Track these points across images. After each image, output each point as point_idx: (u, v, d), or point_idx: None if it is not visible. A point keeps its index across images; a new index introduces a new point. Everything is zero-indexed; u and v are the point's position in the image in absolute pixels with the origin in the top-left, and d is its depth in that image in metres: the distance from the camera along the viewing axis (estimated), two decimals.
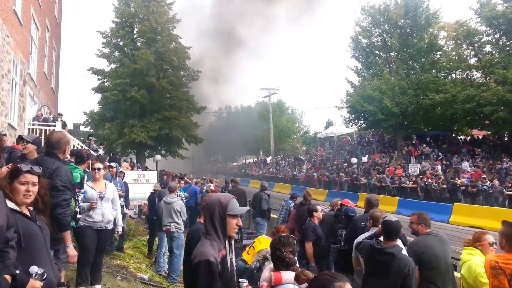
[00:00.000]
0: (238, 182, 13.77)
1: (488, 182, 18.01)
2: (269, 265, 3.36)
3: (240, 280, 2.66)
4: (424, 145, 27.93)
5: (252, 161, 59.30)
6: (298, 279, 2.50)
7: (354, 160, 30.93)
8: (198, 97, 32.66)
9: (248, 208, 2.72)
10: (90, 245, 5.27)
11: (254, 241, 5.62)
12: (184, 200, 9.70)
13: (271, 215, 11.57)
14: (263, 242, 5.43)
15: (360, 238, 4.80)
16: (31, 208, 2.64)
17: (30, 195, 2.57)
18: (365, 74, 33.44)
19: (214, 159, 77.57)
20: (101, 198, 5.43)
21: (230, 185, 13.84)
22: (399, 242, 4.00)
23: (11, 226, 2.33)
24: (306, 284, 2.43)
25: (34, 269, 2.31)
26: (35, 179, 2.60)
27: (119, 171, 8.46)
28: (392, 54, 32.43)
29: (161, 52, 28.37)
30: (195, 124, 31.20)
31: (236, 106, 70.93)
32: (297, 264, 3.40)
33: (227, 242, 2.57)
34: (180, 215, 7.78)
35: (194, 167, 52.36)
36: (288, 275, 3.06)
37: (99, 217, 5.33)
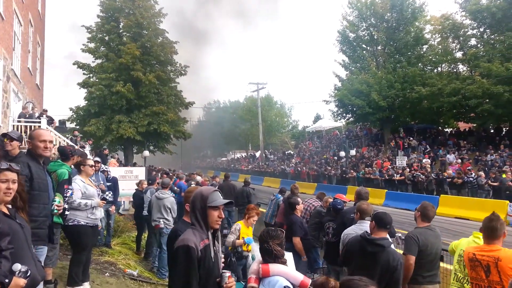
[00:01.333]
0: (228, 177, 13.75)
1: (473, 174, 18.30)
2: (258, 258, 3.38)
3: (223, 271, 2.67)
4: (411, 138, 28.21)
5: (241, 155, 59.28)
6: None
7: (342, 153, 31.15)
8: (186, 92, 32.53)
9: (228, 200, 2.79)
10: (89, 243, 5.29)
11: None
12: (175, 196, 9.64)
13: (261, 209, 11.60)
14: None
15: (347, 230, 4.85)
16: (9, 206, 2.59)
17: (11, 193, 2.53)
18: (353, 68, 33.56)
19: (203, 154, 77.42)
20: (98, 195, 5.48)
21: (215, 180, 13.90)
22: (387, 236, 4.08)
23: (6, 234, 2.29)
24: None
25: (17, 266, 2.28)
26: (14, 176, 2.56)
27: (101, 169, 8.37)
28: (379, 48, 32.54)
29: (147, 47, 28.09)
30: (184, 120, 31.12)
31: (224, 101, 70.86)
32: (286, 257, 3.43)
33: (209, 233, 2.62)
34: (170, 212, 7.76)
35: (183, 162, 52.13)
36: (276, 267, 3.10)
37: (99, 214, 5.40)
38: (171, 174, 15.87)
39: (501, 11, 23.03)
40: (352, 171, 26.70)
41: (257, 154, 50.69)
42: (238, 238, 5.87)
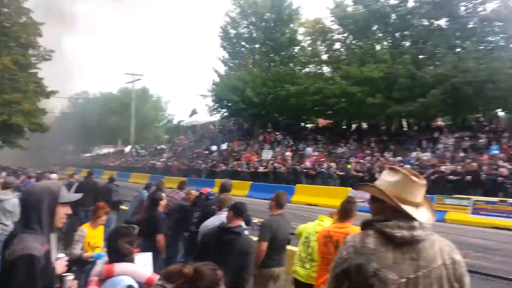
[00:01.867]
0: (92, 173, 12.69)
1: (325, 165, 20.57)
2: (104, 259, 3.12)
3: (64, 274, 2.48)
4: (277, 133, 30.06)
5: (108, 151, 55.50)
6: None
7: (214, 147, 31.67)
8: (49, 80, 29.13)
9: (80, 194, 2.56)
10: None
11: None
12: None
13: (123, 207, 11.00)
14: None
15: (206, 222, 4.84)
16: None
17: None
18: (231, 64, 34.33)
19: (63, 150, 70.17)
20: None
21: (74, 178, 12.79)
22: (242, 223, 4.20)
23: None
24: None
25: None
26: None
27: None
28: (257, 46, 33.74)
29: (5, 26, 24.41)
30: (43, 110, 27.92)
31: (94, 93, 65.88)
32: (144, 257, 3.31)
33: (51, 236, 2.40)
34: (11, 216, 6.72)
35: (39, 159, 46.29)
36: (121, 266, 2.88)
37: None
38: (19, 172, 13.99)
39: (363, 20, 25.87)
40: (222, 164, 27.31)
41: (127, 149, 48.23)
42: (83, 246, 5.31)
